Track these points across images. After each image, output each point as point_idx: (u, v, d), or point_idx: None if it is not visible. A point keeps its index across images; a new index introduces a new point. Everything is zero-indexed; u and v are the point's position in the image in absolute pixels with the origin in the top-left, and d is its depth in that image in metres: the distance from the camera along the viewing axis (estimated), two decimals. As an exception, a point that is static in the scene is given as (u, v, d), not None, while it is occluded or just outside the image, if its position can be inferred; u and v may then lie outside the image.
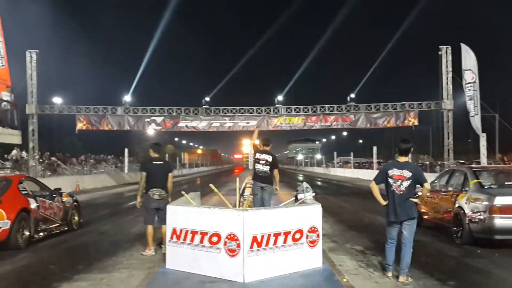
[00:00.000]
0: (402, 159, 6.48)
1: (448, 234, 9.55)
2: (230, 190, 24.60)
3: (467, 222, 8.67)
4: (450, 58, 28.36)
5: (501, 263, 7.63)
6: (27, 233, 9.07)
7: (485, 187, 8.99)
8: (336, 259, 7.82)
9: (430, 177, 24.50)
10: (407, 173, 6.27)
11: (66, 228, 10.82)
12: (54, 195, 10.54)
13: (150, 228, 8.23)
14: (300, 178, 48.70)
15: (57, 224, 10.50)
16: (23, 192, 9.51)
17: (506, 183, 9.51)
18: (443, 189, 10.43)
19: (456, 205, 9.17)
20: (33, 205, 9.41)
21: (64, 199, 10.97)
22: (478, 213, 8.47)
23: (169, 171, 8.53)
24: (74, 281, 6.53)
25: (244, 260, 6.18)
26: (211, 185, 8.29)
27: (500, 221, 8.22)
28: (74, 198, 11.70)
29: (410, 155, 6.76)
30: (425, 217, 10.73)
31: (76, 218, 11.51)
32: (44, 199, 10.01)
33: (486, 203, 8.41)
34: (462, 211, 8.88)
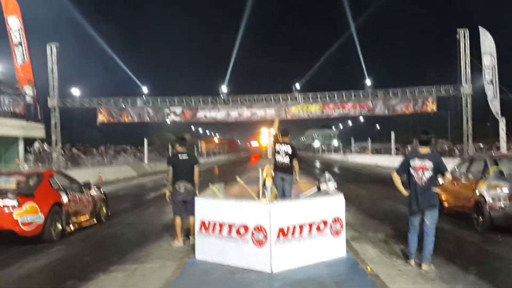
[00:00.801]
0: (423, 149, 6.63)
1: (469, 221, 9.69)
2: (249, 178, 24.91)
3: (487, 209, 8.81)
4: (468, 41, 28.15)
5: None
6: (59, 226, 9.41)
7: (506, 174, 9.09)
8: (359, 248, 8.01)
9: (448, 162, 24.47)
10: (429, 164, 6.43)
11: (95, 221, 11.17)
12: (83, 188, 10.86)
13: (178, 220, 8.51)
14: (318, 165, 48.82)
15: (87, 217, 10.86)
16: (55, 187, 9.83)
17: None
18: (463, 177, 10.51)
19: (477, 193, 9.27)
20: (64, 199, 9.76)
21: (93, 192, 11.29)
22: (499, 201, 8.61)
23: (194, 164, 8.77)
24: (110, 272, 6.84)
25: (271, 250, 6.42)
26: (237, 178, 8.52)
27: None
28: (101, 190, 12.02)
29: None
30: (446, 204, 10.79)
31: (104, 210, 11.87)
32: (74, 193, 10.35)
33: (507, 190, 8.55)
34: (483, 199, 9.00)
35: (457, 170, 11.02)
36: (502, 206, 8.55)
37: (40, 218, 8.80)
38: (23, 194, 8.89)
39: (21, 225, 8.51)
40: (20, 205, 8.57)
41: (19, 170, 16.78)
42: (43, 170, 11.87)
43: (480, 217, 9.14)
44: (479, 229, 9.12)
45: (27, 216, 8.60)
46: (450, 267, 6.66)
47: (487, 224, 8.92)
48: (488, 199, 8.85)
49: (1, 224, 8.48)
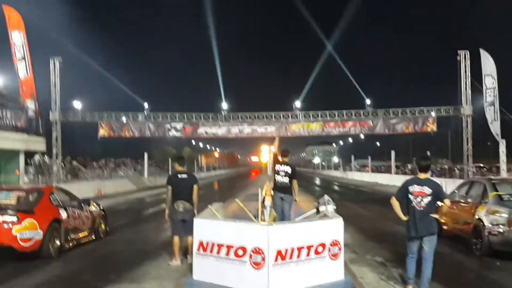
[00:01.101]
0: (422, 175, 6.66)
1: (467, 245, 9.68)
2: (248, 195, 24.87)
3: (486, 234, 8.79)
4: (468, 63, 28.39)
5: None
6: (58, 242, 9.39)
7: (505, 200, 9.10)
8: (357, 271, 8.00)
9: (449, 182, 24.44)
10: (428, 190, 6.46)
11: (93, 237, 11.14)
12: (82, 205, 10.81)
13: (176, 239, 8.52)
14: (318, 182, 48.79)
15: (86, 233, 10.83)
16: (54, 203, 9.84)
17: None
18: (462, 200, 10.53)
19: (476, 217, 9.26)
20: (63, 215, 9.73)
21: (92, 208, 11.27)
22: (498, 226, 8.62)
23: (194, 184, 8.79)
24: (107, 292, 6.84)
25: (269, 273, 6.43)
26: (237, 200, 8.53)
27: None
28: (100, 207, 12.01)
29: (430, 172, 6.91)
30: (445, 227, 10.74)
31: (103, 226, 11.82)
32: (73, 209, 10.33)
33: (506, 216, 8.56)
34: (482, 223, 9.00)
35: (456, 192, 11.09)
36: (501, 231, 8.54)
37: (39, 234, 8.79)
38: (23, 210, 8.93)
39: (19, 241, 8.51)
40: (19, 221, 8.58)
41: (20, 186, 16.84)
42: (44, 186, 11.87)
43: (479, 242, 9.13)
44: (478, 253, 9.11)
45: (26, 232, 8.59)
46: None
47: (485, 249, 8.91)
48: (487, 224, 8.85)
49: (0, 240, 8.47)
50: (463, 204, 10.37)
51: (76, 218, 10.32)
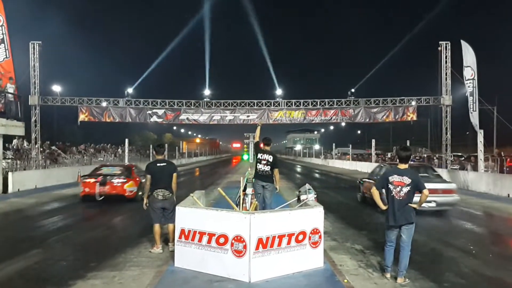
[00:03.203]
0: (402, 166, 6.77)
1: (444, 236, 9.93)
2: (230, 182, 24.97)
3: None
4: (449, 54, 28.72)
5: (495, 265, 7.97)
6: (140, 193, 15.86)
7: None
8: (336, 258, 8.14)
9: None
10: (407, 180, 6.57)
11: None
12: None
13: (157, 227, 8.54)
14: (299, 170, 49.04)
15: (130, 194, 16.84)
16: (136, 173, 17.32)
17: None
18: (374, 177, 15.23)
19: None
20: (141, 179, 16.38)
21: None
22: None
23: (173, 172, 8.79)
24: (88, 279, 6.83)
25: (250, 260, 6.50)
26: (219, 189, 8.55)
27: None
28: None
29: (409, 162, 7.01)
30: (366, 195, 15.56)
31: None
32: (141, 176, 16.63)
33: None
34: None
35: (374, 172, 16.51)
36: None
37: (135, 189, 16.57)
38: (127, 176, 16.68)
39: (127, 192, 16.33)
40: (127, 181, 16.43)
41: (118, 163, 26.58)
42: (130, 164, 21.04)
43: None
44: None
45: (130, 188, 16.45)
46: (425, 282, 6.80)
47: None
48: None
49: (119, 191, 16.16)
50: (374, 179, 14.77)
51: (142, 181, 16.36)
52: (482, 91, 25.96)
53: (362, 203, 16.26)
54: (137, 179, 16.78)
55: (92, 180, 16.35)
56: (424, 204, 13.41)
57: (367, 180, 16.15)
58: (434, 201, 12.90)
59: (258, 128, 11.32)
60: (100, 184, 16.06)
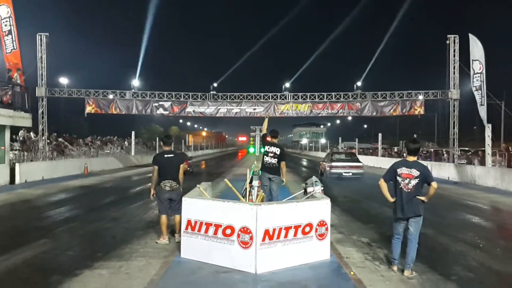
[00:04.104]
0: (410, 158, 6.71)
1: (451, 228, 9.89)
2: (236, 175, 24.99)
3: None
4: (457, 47, 28.48)
5: (502, 258, 7.92)
6: (190, 170, 22.52)
7: (334, 159, 24.37)
8: (343, 251, 8.11)
9: (435, 165, 24.73)
10: (415, 172, 6.51)
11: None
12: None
13: (163, 218, 8.55)
14: (305, 163, 48.96)
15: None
16: (187, 158, 22.94)
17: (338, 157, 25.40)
18: (325, 159, 25.70)
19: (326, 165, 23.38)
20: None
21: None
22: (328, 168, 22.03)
23: (180, 163, 8.79)
24: (95, 269, 6.84)
25: (256, 252, 6.50)
26: (226, 180, 8.56)
27: (331, 171, 23.24)
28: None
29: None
30: (321, 171, 25.53)
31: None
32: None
33: (329, 164, 23.42)
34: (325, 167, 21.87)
35: (327, 156, 26.38)
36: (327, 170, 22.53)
37: (186, 166, 19.21)
38: (186, 158, 22.19)
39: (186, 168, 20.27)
40: (186, 162, 19.35)
41: (175, 151, 30.81)
42: (182, 152, 29.70)
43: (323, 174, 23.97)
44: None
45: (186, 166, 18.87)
46: (432, 274, 6.76)
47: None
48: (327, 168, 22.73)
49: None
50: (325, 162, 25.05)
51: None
52: (490, 85, 25.77)
53: (366, 197, 16.21)
54: (188, 162, 25.46)
55: None
56: (344, 174, 23.56)
57: (322, 162, 26.97)
58: (351, 172, 23.49)
59: (266, 121, 11.28)
60: None
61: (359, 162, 24.68)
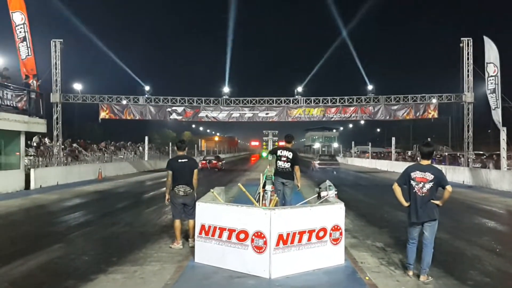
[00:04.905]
0: (424, 162, 6.65)
1: (466, 232, 9.77)
2: (248, 180, 24.97)
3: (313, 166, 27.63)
4: (471, 50, 28.22)
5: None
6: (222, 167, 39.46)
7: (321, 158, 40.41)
8: (357, 256, 8.06)
9: (449, 169, 24.55)
10: (430, 176, 6.45)
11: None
12: (223, 161, 26.08)
13: (177, 223, 8.56)
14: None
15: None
16: (220, 159, 41.06)
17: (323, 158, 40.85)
18: (315, 159, 39.97)
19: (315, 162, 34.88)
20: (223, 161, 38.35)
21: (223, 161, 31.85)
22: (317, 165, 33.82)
23: (194, 168, 8.80)
24: (109, 274, 6.87)
25: (270, 257, 6.47)
26: (239, 185, 8.56)
27: (319, 166, 36.99)
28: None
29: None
30: (313, 168, 37.36)
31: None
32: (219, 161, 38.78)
33: (317, 161, 37.53)
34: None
35: (315, 156, 45.08)
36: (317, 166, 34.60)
37: (220, 164, 39.44)
38: (217, 159, 40.30)
39: (218, 166, 38.61)
40: (218, 162, 39.66)
41: (213, 155, 53.72)
42: (217, 155, 47.91)
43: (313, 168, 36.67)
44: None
45: (219, 164, 39.53)
46: (448, 279, 6.69)
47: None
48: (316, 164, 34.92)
49: (215, 165, 38.45)
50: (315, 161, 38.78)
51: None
52: (505, 88, 25.49)
53: (380, 201, 16.12)
54: (221, 162, 40.46)
55: (204, 161, 38.82)
56: (327, 168, 37.51)
57: (312, 161, 40.25)
58: (331, 167, 36.08)
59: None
60: (208, 163, 38.71)
61: (336, 160, 40.74)
